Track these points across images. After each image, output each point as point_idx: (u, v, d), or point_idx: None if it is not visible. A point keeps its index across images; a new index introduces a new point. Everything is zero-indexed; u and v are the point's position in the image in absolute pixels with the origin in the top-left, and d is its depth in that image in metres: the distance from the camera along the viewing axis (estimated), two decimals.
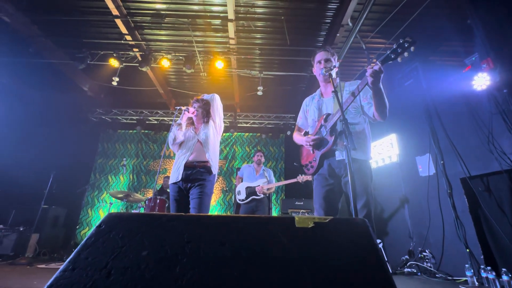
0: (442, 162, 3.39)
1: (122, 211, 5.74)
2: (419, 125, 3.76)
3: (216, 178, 2.38)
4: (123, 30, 4.33)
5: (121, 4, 3.98)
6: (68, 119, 6.22)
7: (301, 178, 3.92)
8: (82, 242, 0.51)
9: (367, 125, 1.81)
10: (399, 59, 1.42)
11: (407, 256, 3.59)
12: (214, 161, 2.29)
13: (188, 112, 2.30)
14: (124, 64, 4.82)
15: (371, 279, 0.46)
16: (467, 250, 2.92)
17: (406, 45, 1.30)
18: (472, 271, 2.70)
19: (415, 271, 3.34)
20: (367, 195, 1.60)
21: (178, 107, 2.32)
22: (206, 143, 2.27)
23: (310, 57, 2.08)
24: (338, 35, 4.23)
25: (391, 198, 4.17)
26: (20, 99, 5.34)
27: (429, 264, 3.30)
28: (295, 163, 3.94)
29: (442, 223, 3.28)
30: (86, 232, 5.97)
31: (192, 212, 2.09)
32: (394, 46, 1.32)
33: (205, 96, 2.50)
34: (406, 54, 1.36)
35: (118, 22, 4.18)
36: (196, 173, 2.18)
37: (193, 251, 0.52)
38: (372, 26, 4.21)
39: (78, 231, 5.86)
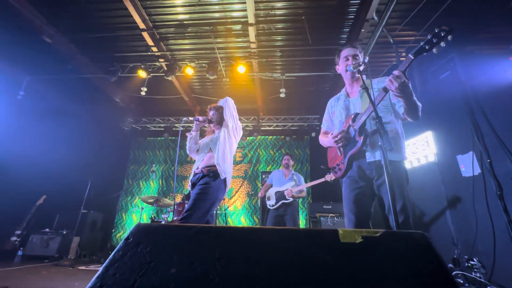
0: (488, 160, 3.05)
1: (153, 215, 5.98)
2: (458, 120, 3.43)
3: (226, 183, 2.25)
4: (149, 42, 4.54)
5: (147, 17, 4.18)
6: (103, 129, 6.66)
7: (329, 177, 3.75)
8: (110, 256, 0.50)
9: (400, 123, 1.68)
10: (434, 50, 1.30)
11: (451, 265, 3.26)
12: (223, 165, 2.21)
13: (199, 121, 2.34)
14: (151, 74, 5.04)
15: None
16: None
17: (442, 34, 1.18)
18: None
19: (461, 281, 3.02)
20: (404, 199, 1.47)
21: (185, 118, 2.39)
22: (215, 147, 2.26)
23: (333, 55, 1.99)
24: (362, 30, 4.04)
25: (429, 202, 3.84)
26: (64, 113, 5.85)
27: (478, 275, 2.96)
28: (322, 166, 3.82)
29: (492, 229, 2.94)
30: (122, 235, 6.30)
31: (183, 214, 1.99)
32: (429, 37, 1.20)
33: (220, 102, 2.52)
34: (442, 44, 1.23)
35: (145, 35, 4.39)
36: (200, 178, 2.17)
37: (225, 269, 0.47)
38: (400, 18, 3.97)
39: (114, 234, 6.21)
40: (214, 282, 0.44)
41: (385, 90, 1.43)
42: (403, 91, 1.30)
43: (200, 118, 2.35)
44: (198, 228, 0.54)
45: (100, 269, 0.48)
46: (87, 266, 3.94)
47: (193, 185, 2.19)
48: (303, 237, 0.50)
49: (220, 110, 2.43)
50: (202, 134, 2.60)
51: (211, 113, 2.43)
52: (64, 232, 4.56)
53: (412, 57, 1.26)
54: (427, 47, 1.23)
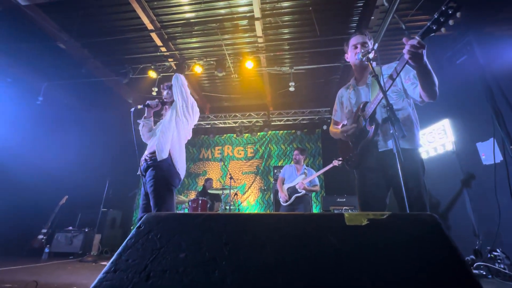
0: (511, 147, 2.90)
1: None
2: (477, 106, 3.27)
3: (177, 175, 2.02)
4: (158, 42, 4.61)
5: (154, 18, 4.24)
6: (118, 130, 6.87)
7: (337, 162, 3.70)
8: (124, 243, 0.53)
9: (413, 110, 1.62)
10: (443, 30, 1.23)
11: (472, 256, 3.15)
12: (164, 145, 1.97)
13: (149, 106, 2.14)
14: (161, 74, 5.12)
15: (450, 284, 0.37)
16: None
17: (450, 12, 1.11)
18: None
19: (484, 273, 2.91)
20: (420, 188, 1.42)
21: (132, 109, 2.12)
22: (162, 128, 2.04)
23: (342, 46, 1.94)
24: (372, 18, 3.91)
25: (447, 192, 3.71)
26: (81, 116, 6.09)
27: (502, 266, 2.85)
28: (334, 159, 3.76)
29: None
30: None
31: (153, 208, 1.87)
32: (436, 16, 1.13)
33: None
34: (451, 22, 1.17)
35: (153, 35, 4.46)
36: (146, 168, 1.99)
37: (232, 253, 0.49)
38: (412, 3, 3.81)
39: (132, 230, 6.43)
40: (222, 265, 0.46)
41: (391, 77, 1.37)
42: (419, 54, 1.20)
43: (151, 102, 2.15)
44: (206, 216, 0.56)
45: (114, 255, 0.51)
46: (108, 261, 4.11)
47: (143, 175, 2.03)
48: (308, 221, 0.50)
49: (171, 88, 2.20)
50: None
51: (164, 93, 2.23)
52: (86, 230, 4.78)
53: (418, 39, 1.20)
54: (434, 27, 1.16)
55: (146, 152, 2.07)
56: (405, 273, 0.40)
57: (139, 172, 2.08)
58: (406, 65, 1.30)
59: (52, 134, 5.69)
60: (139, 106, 2.14)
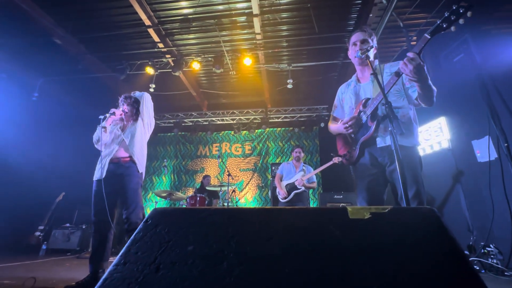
0: (506, 144, 2.95)
1: None
2: (473, 104, 3.31)
3: (143, 177, 2.38)
4: (156, 38, 4.57)
5: (152, 14, 4.20)
6: None
7: (337, 159, 3.71)
8: (132, 236, 0.54)
9: (413, 108, 1.64)
10: (452, 28, 1.25)
11: (467, 252, 3.22)
12: (141, 159, 2.32)
13: (115, 115, 2.32)
14: (158, 71, 5.09)
15: (450, 273, 0.39)
16: None
17: (461, 11, 1.13)
18: None
19: (478, 268, 2.98)
20: (418, 185, 1.44)
21: (103, 116, 2.29)
22: (132, 141, 2.31)
23: (340, 43, 1.96)
24: (371, 15, 3.92)
25: (443, 188, 3.77)
26: (77, 113, 6.03)
27: (495, 261, 2.91)
28: (332, 154, 3.78)
29: (510, 214, 2.86)
30: None
31: (124, 210, 2.16)
32: (446, 14, 1.15)
33: (136, 94, 2.53)
34: (461, 21, 1.19)
35: (151, 31, 4.42)
36: (122, 167, 2.22)
37: (239, 246, 0.50)
38: (410, 1, 3.82)
39: None
40: (229, 257, 0.47)
41: (397, 74, 1.39)
42: (418, 74, 1.26)
43: (117, 113, 2.33)
44: (211, 210, 0.57)
45: (123, 248, 0.52)
46: None
47: (112, 175, 2.19)
48: (312, 215, 0.52)
49: (136, 103, 2.45)
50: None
51: (126, 106, 2.41)
52: (84, 227, 4.76)
53: (429, 37, 1.21)
54: (444, 25, 1.18)
55: (120, 155, 2.28)
56: (406, 265, 0.42)
57: (102, 176, 2.19)
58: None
59: (48, 130, 5.63)
60: (107, 115, 2.29)
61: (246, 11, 4.15)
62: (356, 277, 0.40)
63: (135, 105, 2.44)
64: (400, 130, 1.10)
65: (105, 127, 2.33)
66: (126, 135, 2.35)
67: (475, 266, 2.99)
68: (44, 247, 4.39)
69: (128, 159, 2.27)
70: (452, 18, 1.13)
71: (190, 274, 0.47)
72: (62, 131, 5.80)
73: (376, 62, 1.69)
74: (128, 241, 0.53)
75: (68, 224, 4.84)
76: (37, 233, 4.64)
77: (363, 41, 1.67)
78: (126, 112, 2.41)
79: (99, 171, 2.24)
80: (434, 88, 1.41)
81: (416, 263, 0.41)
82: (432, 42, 1.26)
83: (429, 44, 1.27)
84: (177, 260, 0.49)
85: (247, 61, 4.72)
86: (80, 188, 5.45)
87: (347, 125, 1.64)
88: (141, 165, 2.34)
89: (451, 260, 0.41)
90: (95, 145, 2.38)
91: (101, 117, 2.29)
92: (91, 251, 2.25)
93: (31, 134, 5.30)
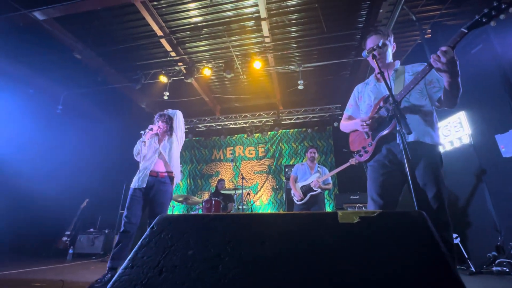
0: None
1: (183, 213, 6.27)
2: (495, 97, 3.14)
3: (175, 186, 2.66)
4: (168, 47, 4.74)
5: (163, 24, 4.36)
6: (133, 135, 7.10)
7: (354, 160, 3.62)
8: (139, 242, 0.59)
9: (434, 109, 1.60)
10: (492, 23, 1.20)
11: (494, 253, 3.04)
12: (177, 171, 2.59)
13: (152, 130, 2.56)
14: (171, 79, 5.26)
15: (432, 279, 0.39)
16: None
17: (503, 7, 1.10)
18: None
19: (507, 270, 2.81)
20: (439, 185, 1.38)
21: (143, 131, 2.56)
22: (170, 154, 2.55)
23: (351, 41, 1.94)
24: (381, 11, 3.84)
25: (466, 187, 3.58)
26: (99, 123, 6.35)
27: None
28: (344, 149, 3.71)
29: None
30: None
31: (151, 219, 2.38)
32: (486, 10, 1.13)
33: (169, 112, 2.77)
34: (502, 16, 1.15)
35: (163, 41, 4.58)
36: (159, 182, 2.46)
37: (235, 250, 0.53)
38: None
39: None
40: (225, 260, 0.51)
41: (430, 66, 1.35)
42: (451, 68, 1.24)
43: (154, 128, 2.58)
44: (212, 216, 0.61)
45: (131, 253, 0.56)
46: None
47: (150, 187, 2.43)
48: (303, 219, 0.54)
49: (170, 120, 2.69)
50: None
51: (162, 123, 2.64)
52: (107, 231, 4.98)
53: (466, 31, 1.19)
54: (484, 20, 1.16)
55: (158, 169, 2.52)
56: (390, 268, 0.43)
57: (142, 185, 2.45)
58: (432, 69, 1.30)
59: (72, 142, 5.97)
60: (147, 130, 2.56)
61: (254, 15, 4.20)
62: (345, 280, 0.41)
63: (169, 121, 2.68)
64: (408, 129, 1.08)
65: (144, 141, 2.58)
66: (163, 148, 2.59)
67: (504, 268, 2.83)
68: (70, 251, 4.63)
69: (165, 174, 2.53)
70: (493, 14, 1.11)
71: (189, 277, 0.50)
72: (84, 142, 6.13)
73: (397, 63, 1.67)
74: (136, 246, 0.58)
75: (92, 229, 5.08)
76: (64, 238, 4.91)
77: (383, 45, 1.60)
78: (161, 128, 2.64)
79: (139, 181, 2.48)
80: (461, 88, 1.37)
81: (401, 266, 0.42)
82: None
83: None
84: (178, 264, 0.53)
85: (257, 64, 4.77)
86: (102, 194, 5.74)
87: (365, 124, 1.60)
88: (178, 176, 2.61)
89: (434, 267, 0.41)
90: (135, 157, 2.63)
91: (142, 132, 2.57)
92: (114, 247, 2.44)
93: (57, 145, 5.64)
